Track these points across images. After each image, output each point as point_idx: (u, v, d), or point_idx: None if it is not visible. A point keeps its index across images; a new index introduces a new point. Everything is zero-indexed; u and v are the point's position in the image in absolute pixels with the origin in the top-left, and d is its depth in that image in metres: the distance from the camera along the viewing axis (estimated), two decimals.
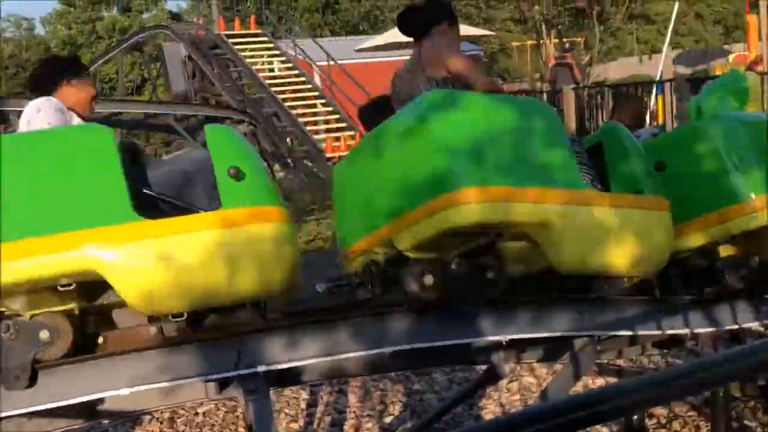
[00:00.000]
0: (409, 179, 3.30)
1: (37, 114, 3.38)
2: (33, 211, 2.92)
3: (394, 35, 17.20)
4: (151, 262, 2.93)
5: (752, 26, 17.34)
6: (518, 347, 3.94)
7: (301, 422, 5.22)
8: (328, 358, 3.38)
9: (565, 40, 17.21)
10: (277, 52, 19.65)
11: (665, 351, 5.29)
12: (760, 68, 14.73)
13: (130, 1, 36.51)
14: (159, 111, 12.32)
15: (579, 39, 17.54)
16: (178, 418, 5.38)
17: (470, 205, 3.12)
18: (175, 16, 38.29)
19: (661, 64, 16.24)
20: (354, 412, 5.31)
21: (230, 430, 5.19)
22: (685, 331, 4.01)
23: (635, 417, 4.35)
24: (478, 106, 3.40)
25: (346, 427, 5.09)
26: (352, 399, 5.50)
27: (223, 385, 3.34)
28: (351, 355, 3.40)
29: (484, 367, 4.22)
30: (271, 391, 5.06)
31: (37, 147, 3.07)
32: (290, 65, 19.46)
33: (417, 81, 3.88)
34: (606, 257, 3.48)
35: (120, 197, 2.96)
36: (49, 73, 3.60)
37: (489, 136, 3.29)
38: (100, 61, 23.81)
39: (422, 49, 3.98)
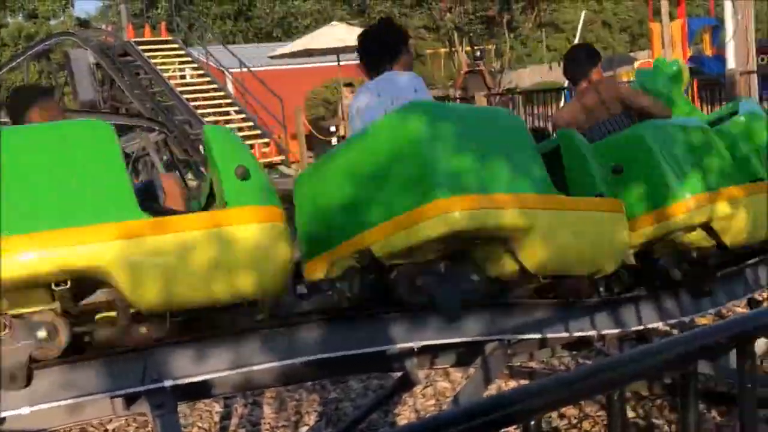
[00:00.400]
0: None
1: None
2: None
3: (307, 42, 17.19)
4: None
5: (656, 34, 17.90)
6: (431, 353, 3.96)
7: None
8: (236, 371, 3.33)
9: (476, 47, 17.47)
10: (189, 59, 19.40)
11: (575, 353, 5.40)
12: None
13: (36, 7, 35.47)
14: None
15: (490, 46, 17.83)
16: None
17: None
18: (83, 23, 37.49)
19: None
20: (269, 423, 5.25)
21: None
22: (592, 332, 4.09)
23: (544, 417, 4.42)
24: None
25: None
26: (267, 410, 5.44)
27: (130, 400, 3.26)
28: (260, 366, 3.36)
29: (399, 373, 4.23)
30: (185, 405, 4.97)
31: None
32: (202, 72, 19.24)
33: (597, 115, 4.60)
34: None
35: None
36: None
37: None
38: (5, 69, 23.10)
39: (601, 87, 4.70)
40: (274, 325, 3.39)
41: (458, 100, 16.21)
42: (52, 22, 36.10)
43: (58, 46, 25.20)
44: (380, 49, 4.17)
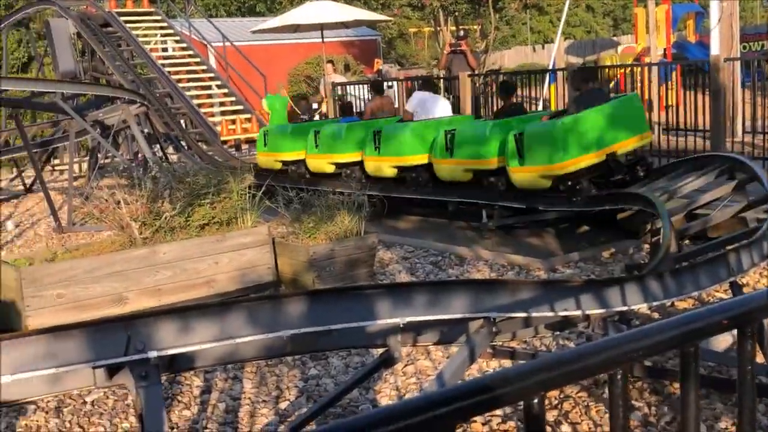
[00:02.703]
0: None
1: None
2: None
3: (291, 18, 17.02)
4: None
5: (640, 18, 17.94)
6: (415, 330, 3.95)
7: (194, 409, 5.10)
8: (221, 343, 3.30)
9: (460, 27, 17.40)
10: (171, 32, 19.19)
11: (557, 333, 5.42)
12: (647, 59, 15.24)
13: None
14: (46, 90, 11.82)
15: (474, 27, 17.78)
16: (65, 407, 5.18)
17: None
18: None
19: (554, 53, 16.61)
20: (249, 398, 5.22)
21: (120, 418, 5.03)
22: (578, 312, 4.11)
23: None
24: None
25: (240, 414, 5.00)
26: (248, 385, 5.42)
27: (112, 371, 3.22)
28: (245, 339, 3.33)
29: (380, 350, 4.21)
30: (164, 378, 4.92)
31: None
32: (185, 45, 19.05)
33: None
34: None
35: None
36: None
37: None
38: None
39: None
40: (259, 298, 3.37)
41: (441, 80, 16.15)
42: None
43: (38, 15, 24.84)
44: None
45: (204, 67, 18.51)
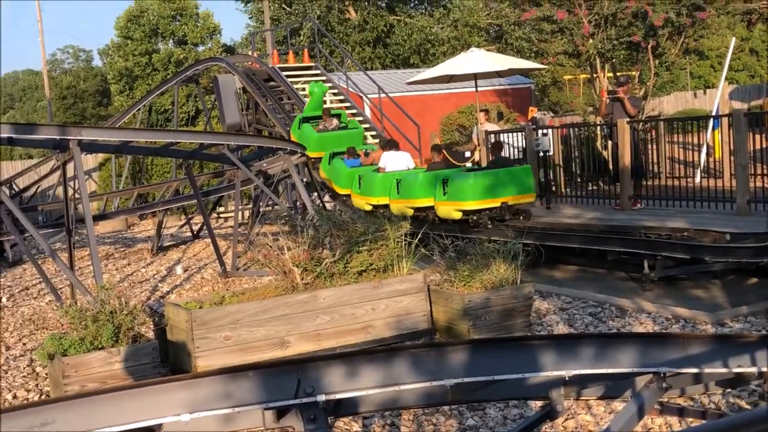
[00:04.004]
0: None
1: None
2: None
3: (445, 68, 17.25)
4: None
5: None
6: (579, 383, 3.85)
7: None
8: (386, 389, 3.34)
9: (619, 73, 17.09)
10: (329, 85, 19.84)
11: (729, 390, 5.14)
12: None
13: (185, 34, 37.20)
14: (215, 142, 12.48)
15: (633, 73, 17.42)
16: None
17: None
18: (229, 50, 39.02)
19: (717, 99, 16.02)
20: None
21: None
22: (753, 369, 3.89)
23: None
24: None
25: None
26: None
27: (280, 413, 3.31)
28: (409, 386, 3.35)
29: (539, 403, 4.13)
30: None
31: None
32: (342, 97, 19.65)
33: None
34: None
35: None
36: None
37: None
38: (156, 93, 24.32)
39: None
40: (424, 346, 3.39)
41: (597, 127, 15.88)
42: (200, 49, 37.72)
43: (206, 71, 26.36)
44: None
45: (360, 118, 19.01)
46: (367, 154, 15.64)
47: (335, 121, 17.03)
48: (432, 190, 12.40)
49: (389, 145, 14.89)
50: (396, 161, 14.34)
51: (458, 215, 11.86)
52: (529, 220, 11.84)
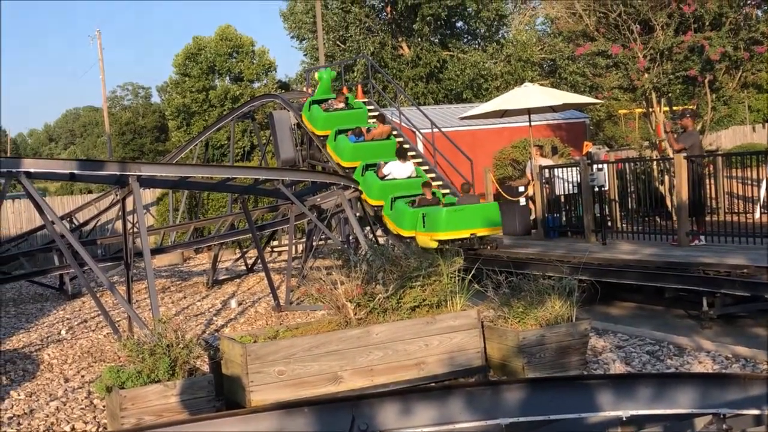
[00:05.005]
0: None
1: None
2: None
3: (499, 103, 17.27)
4: None
5: None
6: (636, 423, 3.79)
7: None
8: (439, 427, 3.32)
9: (677, 108, 16.89)
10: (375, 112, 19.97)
11: None
12: None
13: (241, 71, 37.88)
14: (270, 177, 12.64)
15: (690, 107, 17.20)
16: None
17: None
18: (283, 86, 39.62)
19: None
20: None
21: None
22: None
23: None
24: None
25: None
26: None
27: None
28: (464, 425, 3.34)
29: None
30: None
31: None
32: (395, 132, 19.73)
33: None
34: None
35: None
36: None
37: None
38: (213, 129, 24.72)
39: None
40: (479, 384, 3.38)
41: (653, 162, 15.69)
42: (256, 85, 38.36)
43: (261, 107, 26.74)
44: None
45: (413, 153, 19.06)
46: (368, 131, 17.52)
47: (341, 104, 18.59)
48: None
49: (398, 153, 16.68)
50: (400, 170, 16.37)
51: (434, 244, 13.51)
52: (497, 249, 14.13)
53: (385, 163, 16.62)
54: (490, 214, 14.44)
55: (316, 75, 20.32)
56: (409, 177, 16.39)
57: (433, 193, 15.67)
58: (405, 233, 14.94)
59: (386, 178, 16.30)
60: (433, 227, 14.24)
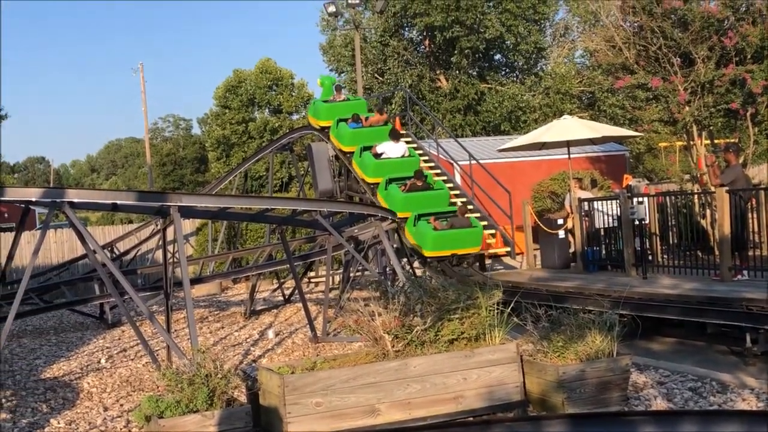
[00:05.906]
0: None
1: None
2: None
3: (538, 135, 17.22)
4: None
5: None
6: None
7: None
8: None
9: (719, 141, 16.70)
10: (420, 152, 20.03)
11: None
12: None
13: (280, 103, 38.30)
14: (309, 208, 12.71)
15: (733, 140, 17.01)
16: None
17: None
18: None
19: None
20: None
21: None
22: None
23: None
24: None
25: None
26: None
27: None
28: None
29: None
30: None
31: None
32: (432, 164, 19.77)
33: None
34: None
35: None
36: None
37: None
38: (253, 160, 24.99)
39: None
40: (519, 419, 3.34)
41: (695, 195, 15.52)
42: (294, 117, 38.75)
43: (300, 139, 26.98)
44: None
45: (450, 185, 19.07)
46: (366, 119, 19.13)
47: (342, 95, 20.77)
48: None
49: (392, 134, 18.13)
50: (393, 149, 17.91)
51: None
52: (472, 266, 16.13)
53: (380, 143, 18.13)
54: (473, 238, 15.97)
55: (318, 81, 22.31)
56: (403, 156, 17.93)
57: (425, 178, 17.06)
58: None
59: (381, 157, 17.79)
60: (421, 244, 15.94)
